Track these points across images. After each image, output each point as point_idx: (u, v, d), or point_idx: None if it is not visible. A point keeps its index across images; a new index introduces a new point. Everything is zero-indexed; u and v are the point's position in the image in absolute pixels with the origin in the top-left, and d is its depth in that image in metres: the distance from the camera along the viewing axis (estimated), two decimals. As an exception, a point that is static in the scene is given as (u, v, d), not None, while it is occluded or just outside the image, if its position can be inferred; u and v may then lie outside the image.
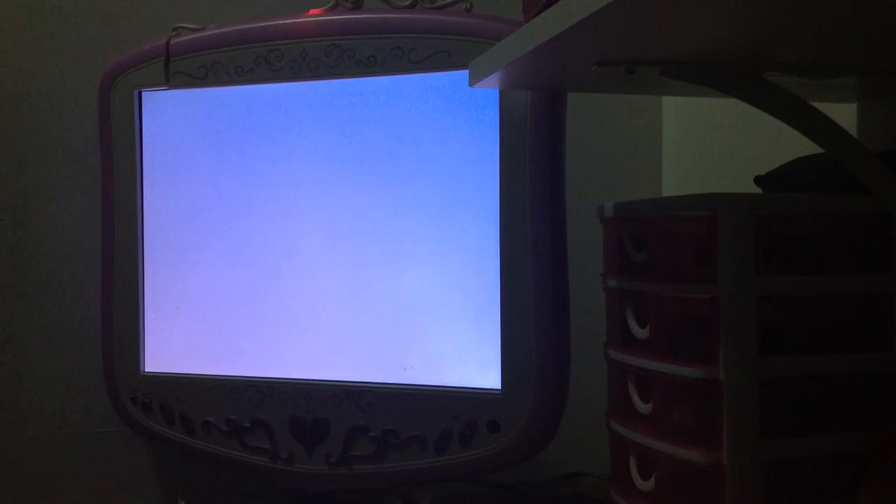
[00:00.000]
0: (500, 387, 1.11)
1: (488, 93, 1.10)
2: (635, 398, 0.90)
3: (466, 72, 1.00)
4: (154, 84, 1.28)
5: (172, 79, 1.27)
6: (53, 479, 1.41)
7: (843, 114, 1.07)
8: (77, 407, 1.41)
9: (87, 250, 1.38)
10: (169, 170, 1.29)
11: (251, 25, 1.24)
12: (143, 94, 1.30)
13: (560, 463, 1.39)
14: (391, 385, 1.17)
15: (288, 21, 1.22)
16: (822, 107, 0.86)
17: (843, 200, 0.85)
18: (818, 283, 0.83)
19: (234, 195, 1.26)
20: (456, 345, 1.16)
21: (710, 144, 1.44)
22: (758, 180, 0.97)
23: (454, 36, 1.12)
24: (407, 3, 1.18)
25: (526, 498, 1.35)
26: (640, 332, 0.90)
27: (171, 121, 1.29)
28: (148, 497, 1.44)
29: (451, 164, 1.15)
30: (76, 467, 1.42)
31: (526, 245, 1.10)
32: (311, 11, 1.23)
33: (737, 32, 0.76)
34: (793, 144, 0.93)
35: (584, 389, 1.18)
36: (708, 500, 0.82)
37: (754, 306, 0.81)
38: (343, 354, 1.21)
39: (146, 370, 1.30)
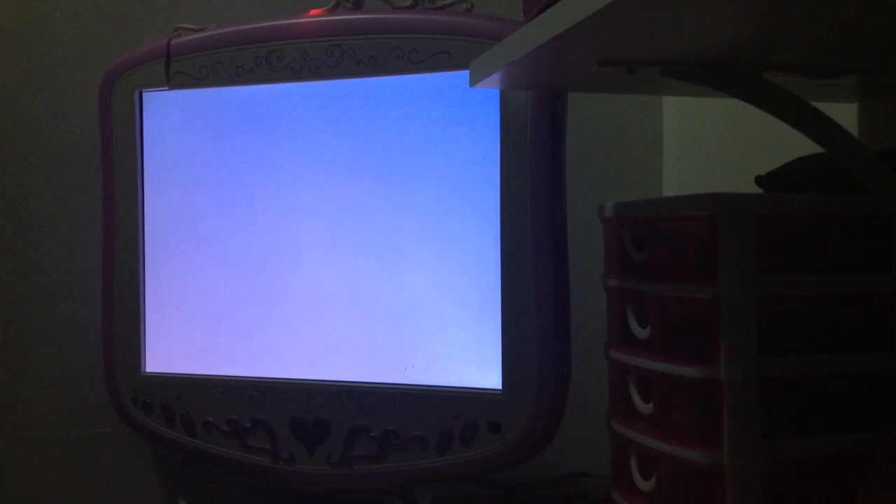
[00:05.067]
0: (500, 387, 1.11)
1: (489, 93, 1.10)
2: (636, 398, 0.90)
3: (467, 72, 1.00)
4: (155, 84, 1.28)
5: (173, 79, 1.27)
6: (53, 479, 1.41)
7: (844, 114, 1.07)
8: (77, 407, 1.41)
9: (87, 250, 1.38)
10: (169, 170, 1.30)
11: (252, 26, 1.24)
12: (144, 94, 1.30)
13: (561, 463, 1.39)
14: (392, 385, 1.17)
15: (288, 21, 1.22)
16: (823, 107, 0.86)
17: (843, 200, 0.85)
18: (818, 283, 0.83)
19: (234, 195, 1.26)
20: (457, 345, 1.16)
21: (710, 144, 1.44)
22: (758, 180, 0.97)
23: (455, 36, 1.12)
24: (407, 3, 1.18)
25: (526, 498, 1.35)
26: (640, 332, 0.90)
27: (172, 121, 1.29)
28: (148, 497, 1.44)
29: (452, 165, 1.16)
30: (76, 467, 1.42)
31: (526, 245, 1.10)
32: (312, 12, 1.23)
33: (737, 32, 0.76)
34: (793, 144, 0.93)
35: (584, 389, 1.18)
36: (708, 500, 0.82)
37: (754, 306, 0.81)
38: (344, 354, 1.21)
39: (147, 370, 1.30)
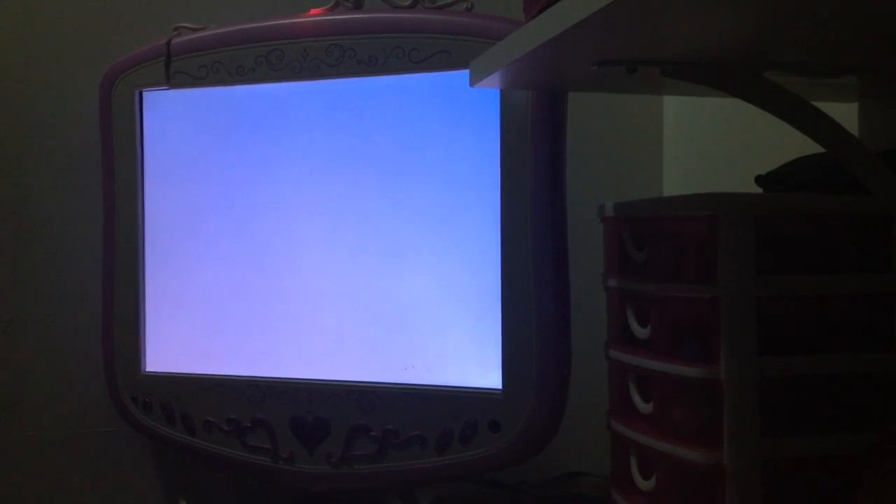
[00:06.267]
0: (500, 386, 1.11)
1: (489, 93, 1.10)
2: (636, 398, 0.90)
3: (467, 71, 1.00)
4: (155, 84, 1.28)
5: (173, 79, 1.27)
6: (53, 479, 1.41)
7: (844, 113, 1.07)
8: (77, 407, 1.41)
9: (87, 250, 1.38)
10: (169, 170, 1.30)
11: (252, 25, 1.24)
12: (144, 93, 1.30)
13: (560, 463, 1.39)
14: (392, 385, 1.17)
15: (289, 21, 1.22)
16: (823, 106, 0.86)
17: (843, 200, 0.85)
18: (818, 283, 0.83)
19: (234, 195, 1.26)
20: (457, 344, 1.16)
21: (710, 144, 1.44)
22: (758, 180, 0.97)
23: (455, 36, 1.12)
24: (407, 2, 1.18)
25: (526, 497, 1.35)
26: (640, 332, 0.90)
27: (172, 121, 1.29)
28: (148, 497, 1.44)
29: (452, 164, 1.16)
30: (76, 467, 1.42)
31: (526, 245, 1.10)
32: (312, 11, 1.23)
33: (737, 32, 0.76)
34: (793, 144, 0.93)
35: (584, 389, 1.17)
36: (708, 500, 0.82)
37: (754, 306, 0.81)
38: (344, 354, 1.21)
39: (147, 370, 1.30)
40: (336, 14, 1.22)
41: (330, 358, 1.21)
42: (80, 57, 1.40)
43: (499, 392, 1.11)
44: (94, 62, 1.37)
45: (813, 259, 0.84)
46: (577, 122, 1.18)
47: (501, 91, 1.10)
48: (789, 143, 0.95)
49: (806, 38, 0.78)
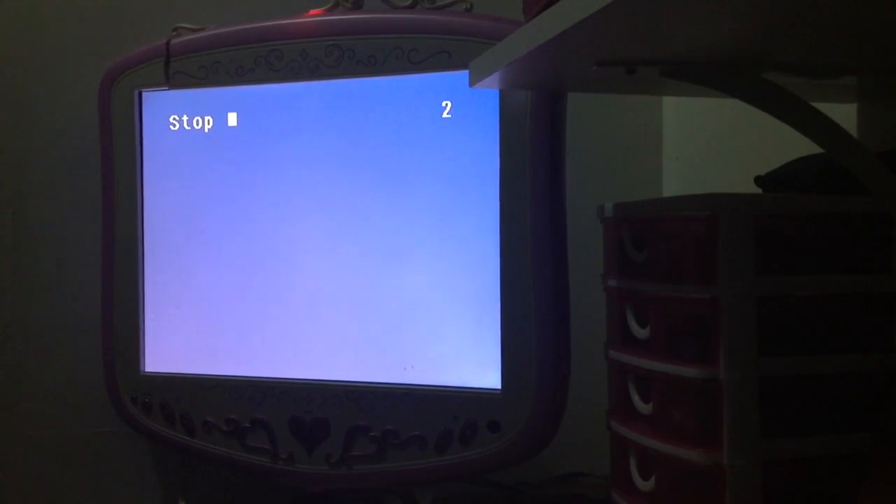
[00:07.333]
0: (500, 387, 1.11)
1: (488, 93, 1.10)
2: (635, 398, 0.90)
3: (466, 72, 1.00)
4: (154, 84, 1.28)
5: (172, 79, 1.27)
6: (53, 479, 1.41)
7: (843, 114, 1.07)
8: (77, 407, 1.41)
9: (87, 250, 1.38)
10: (169, 170, 1.30)
11: (251, 25, 1.24)
12: (144, 94, 1.30)
13: (560, 463, 1.39)
14: (391, 385, 1.17)
15: (288, 21, 1.22)
16: (822, 107, 0.86)
17: (843, 200, 0.85)
18: (818, 283, 0.83)
19: (233, 195, 1.26)
20: (456, 345, 1.16)
21: (710, 144, 1.44)
22: (758, 180, 0.97)
23: (454, 36, 1.12)
24: (407, 3, 1.18)
25: (526, 498, 1.35)
26: (640, 332, 0.90)
27: (172, 121, 1.29)
28: (148, 497, 1.44)
29: (452, 164, 1.15)
30: (76, 467, 1.42)
31: (526, 245, 1.10)
32: (312, 11, 1.23)
33: (737, 32, 0.76)
34: (793, 144, 0.93)
35: (584, 389, 1.17)
36: (708, 501, 0.82)
37: (754, 306, 0.81)
38: (343, 354, 1.21)
39: (146, 370, 1.30)
40: (335, 14, 1.22)
41: (329, 358, 1.21)
42: (80, 57, 1.40)
43: (498, 392, 1.11)
44: (94, 62, 1.37)
45: (813, 259, 0.84)
46: (577, 122, 1.18)
47: (501, 91, 1.10)
48: (789, 143, 0.95)
49: (806, 38, 0.78)
